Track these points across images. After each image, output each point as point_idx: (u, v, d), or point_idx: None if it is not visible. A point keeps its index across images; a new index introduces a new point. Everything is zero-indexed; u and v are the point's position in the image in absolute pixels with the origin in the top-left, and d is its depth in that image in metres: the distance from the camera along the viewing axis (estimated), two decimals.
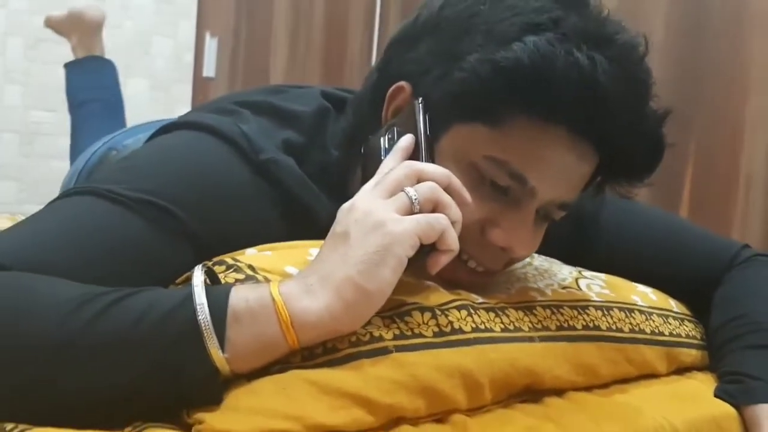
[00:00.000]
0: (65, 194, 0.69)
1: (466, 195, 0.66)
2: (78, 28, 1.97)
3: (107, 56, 2.45)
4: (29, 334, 0.55)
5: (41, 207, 0.70)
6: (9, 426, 0.53)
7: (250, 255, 0.69)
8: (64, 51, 2.60)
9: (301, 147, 0.80)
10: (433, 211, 0.62)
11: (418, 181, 0.63)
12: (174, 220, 0.67)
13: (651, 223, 0.97)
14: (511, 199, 0.71)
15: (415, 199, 0.62)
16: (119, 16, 2.74)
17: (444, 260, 0.63)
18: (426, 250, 0.62)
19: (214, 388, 0.57)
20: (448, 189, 0.64)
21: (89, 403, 0.56)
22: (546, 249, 0.82)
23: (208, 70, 2.92)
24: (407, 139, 0.69)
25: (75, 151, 1.87)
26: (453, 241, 0.62)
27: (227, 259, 0.67)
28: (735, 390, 0.80)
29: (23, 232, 0.66)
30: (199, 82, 2.95)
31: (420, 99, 0.71)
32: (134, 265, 0.65)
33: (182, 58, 2.91)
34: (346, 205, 0.63)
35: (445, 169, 0.65)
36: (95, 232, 0.65)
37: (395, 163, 0.66)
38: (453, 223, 0.63)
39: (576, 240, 0.92)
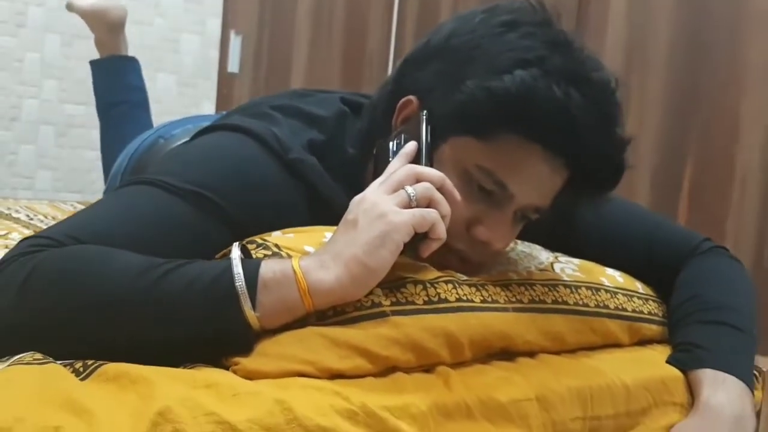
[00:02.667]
0: (127, 183, 0.85)
1: (456, 194, 0.80)
2: (101, 24, 1.94)
3: (138, 52, 2.55)
4: (104, 293, 0.71)
5: (76, 194, 0.85)
6: (90, 361, 0.68)
7: (276, 236, 0.84)
8: None
9: (323, 145, 0.95)
10: (428, 206, 0.76)
11: (417, 182, 0.77)
12: (216, 207, 0.82)
13: (621, 214, 1.09)
14: (494, 201, 0.85)
15: (413, 196, 0.76)
16: (150, 13, 2.88)
17: (433, 246, 0.77)
18: (419, 238, 0.76)
19: (247, 340, 0.72)
20: (441, 189, 0.78)
21: (148, 348, 0.70)
22: (529, 236, 0.97)
23: (233, 66, 3.05)
24: (411, 146, 0.83)
25: (108, 153, 1.86)
26: (441, 231, 0.76)
27: (257, 239, 0.82)
28: (683, 357, 0.94)
29: (93, 214, 0.82)
30: (224, 78, 3.09)
31: (425, 112, 0.85)
32: (182, 243, 0.80)
33: (208, 55, 3.05)
34: (357, 198, 0.77)
35: (440, 172, 0.79)
36: (152, 215, 0.80)
37: (400, 165, 0.80)
38: (443, 216, 0.76)
39: (553, 230, 1.04)
